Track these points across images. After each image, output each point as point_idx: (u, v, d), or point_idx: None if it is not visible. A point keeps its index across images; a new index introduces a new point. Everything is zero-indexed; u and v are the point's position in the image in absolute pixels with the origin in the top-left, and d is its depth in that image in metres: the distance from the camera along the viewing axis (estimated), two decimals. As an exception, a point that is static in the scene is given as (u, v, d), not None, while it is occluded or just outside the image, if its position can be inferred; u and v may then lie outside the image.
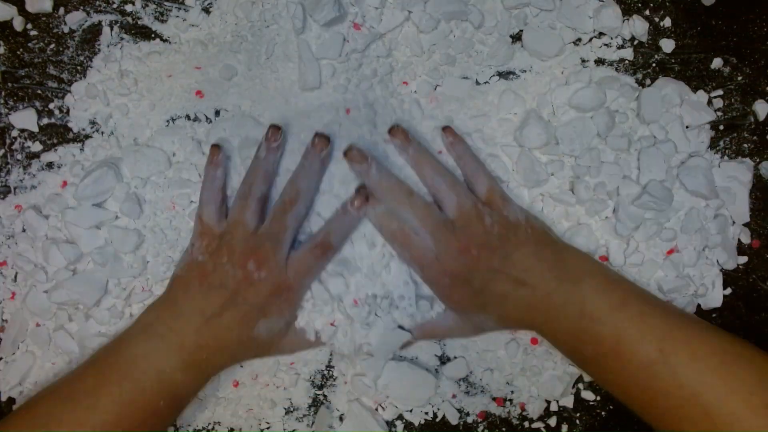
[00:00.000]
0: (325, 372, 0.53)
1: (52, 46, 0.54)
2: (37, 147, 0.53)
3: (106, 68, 0.53)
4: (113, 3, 0.54)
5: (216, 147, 0.50)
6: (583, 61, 0.54)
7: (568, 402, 0.53)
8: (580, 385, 0.54)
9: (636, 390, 0.44)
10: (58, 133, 0.53)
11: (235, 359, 0.49)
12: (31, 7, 0.54)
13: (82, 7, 0.54)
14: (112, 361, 0.46)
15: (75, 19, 0.54)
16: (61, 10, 0.54)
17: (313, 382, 0.53)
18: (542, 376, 0.53)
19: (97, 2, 0.55)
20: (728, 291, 0.53)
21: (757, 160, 0.54)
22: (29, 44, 0.54)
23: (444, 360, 0.53)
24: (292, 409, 0.53)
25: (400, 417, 0.53)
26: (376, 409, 0.53)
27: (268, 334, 0.48)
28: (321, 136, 0.48)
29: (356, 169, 0.48)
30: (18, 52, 0.54)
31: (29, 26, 0.54)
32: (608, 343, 0.44)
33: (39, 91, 0.54)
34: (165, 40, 0.54)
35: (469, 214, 0.47)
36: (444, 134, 0.51)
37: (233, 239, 0.47)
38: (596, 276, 0.47)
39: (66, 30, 0.54)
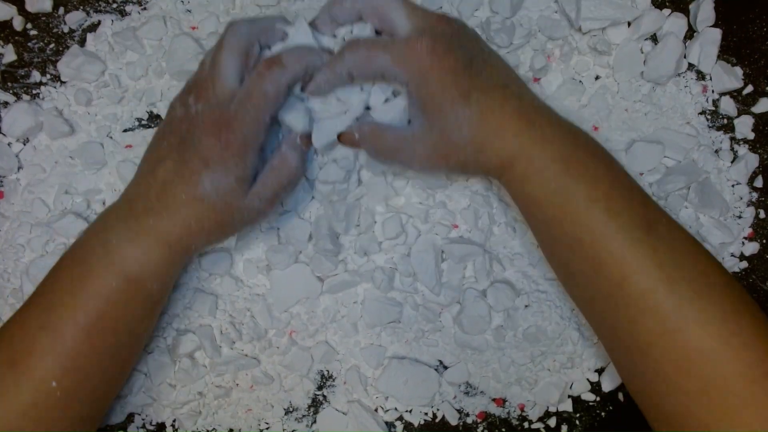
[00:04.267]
0: (325, 372, 0.53)
1: (52, 46, 0.54)
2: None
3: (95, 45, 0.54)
4: (113, 3, 0.55)
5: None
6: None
7: (567, 407, 0.53)
8: (579, 387, 0.53)
9: (605, 267, 0.38)
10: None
11: (190, 230, 0.41)
12: (31, 6, 0.54)
13: (82, 7, 0.54)
14: (87, 248, 0.41)
15: (75, 19, 0.54)
16: (61, 10, 0.54)
17: (312, 382, 0.53)
18: (537, 385, 0.53)
19: (97, 2, 0.55)
20: (728, 291, 0.53)
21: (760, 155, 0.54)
22: (29, 44, 0.54)
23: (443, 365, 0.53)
24: (291, 409, 0.53)
25: (400, 418, 0.53)
26: (376, 410, 0.53)
27: (215, 193, 0.40)
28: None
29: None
30: (18, 52, 0.54)
31: (29, 26, 0.54)
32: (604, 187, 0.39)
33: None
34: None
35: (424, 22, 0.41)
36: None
37: (192, 80, 0.42)
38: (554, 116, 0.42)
39: (66, 30, 0.54)
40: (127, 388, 0.51)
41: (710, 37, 0.53)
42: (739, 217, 0.53)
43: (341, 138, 0.44)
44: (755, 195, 0.53)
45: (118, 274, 0.40)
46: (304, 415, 0.53)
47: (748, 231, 0.53)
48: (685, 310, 0.37)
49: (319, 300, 0.52)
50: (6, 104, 0.53)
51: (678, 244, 0.39)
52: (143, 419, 0.52)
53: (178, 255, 0.42)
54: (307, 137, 0.45)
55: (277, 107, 0.42)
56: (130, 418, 0.52)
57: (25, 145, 0.53)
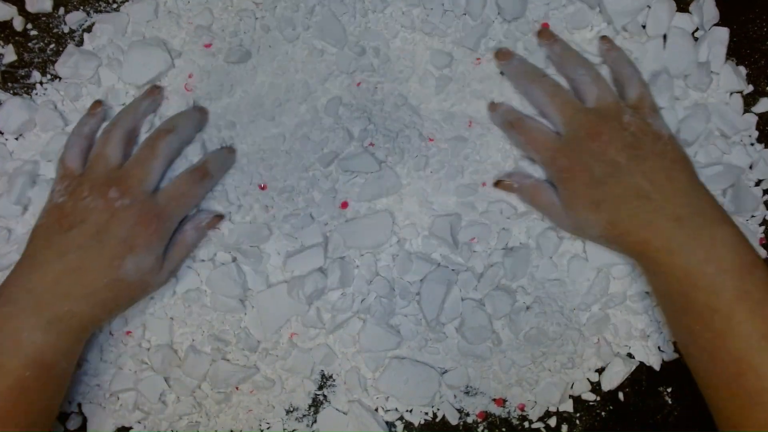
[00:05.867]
0: (325, 372, 0.53)
1: (52, 46, 0.54)
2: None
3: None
4: (113, 3, 0.55)
5: (98, 102, 0.50)
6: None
7: (568, 407, 0.53)
8: (580, 387, 0.53)
9: (727, 358, 0.40)
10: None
11: (106, 308, 0.44)
12: (31, 7, 0.54)
13: (82, 7, 0.54)
14: None
15: (75, 19, 0.54)
16: (61, 10, 0.54)
17: (313, 382, 0.53)
18: (538, 386, 0.53)
19: (97, 2, 0.55)
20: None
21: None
22: (29, 44, 0.54)
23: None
24: (291, 409, 0.53)
25: (401, 418, 0.53)
26: (377, 410, 0.53)
27: (137, 272, 0.44)
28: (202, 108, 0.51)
29: (500, 62, 0.50)
30: (18, 52, 0.54)
31: (29, 26, 0.54)
32: (726, 299, 0.40)
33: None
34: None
35: (609, 106, 0.45)
36: (600, 42, 0.50)
37: (94, 173, 0.45)
38: (731, 227, 0.42)
39: (66, 30, 0.54)
40: (117, 401, 0.52)
41: (718, 36, 0.53)
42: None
43: (499, 184, 0.50)
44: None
45: (31, 364, 0.41)
46: (304, 415, 0.53)
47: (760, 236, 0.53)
48: None
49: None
50: (6, 104, 0.53)
51: None
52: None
53: (90, 332, 0.45)
54: (218, 217, 0.50)
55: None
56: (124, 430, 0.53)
57: (17, 140, 0.53)
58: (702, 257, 0.41)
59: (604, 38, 0.51)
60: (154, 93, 0.50)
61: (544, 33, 0.50)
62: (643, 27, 0.52)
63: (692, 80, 0.52)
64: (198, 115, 0.50)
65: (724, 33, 0.53)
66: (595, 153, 0.44)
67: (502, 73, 0.52)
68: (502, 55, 0.50)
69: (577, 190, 0.45)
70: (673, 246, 0.42)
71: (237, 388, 0.52)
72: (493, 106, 0.51)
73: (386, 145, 0.51)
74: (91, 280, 0.42)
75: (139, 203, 0.44)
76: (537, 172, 0.51)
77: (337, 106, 0.52)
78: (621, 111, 0.45)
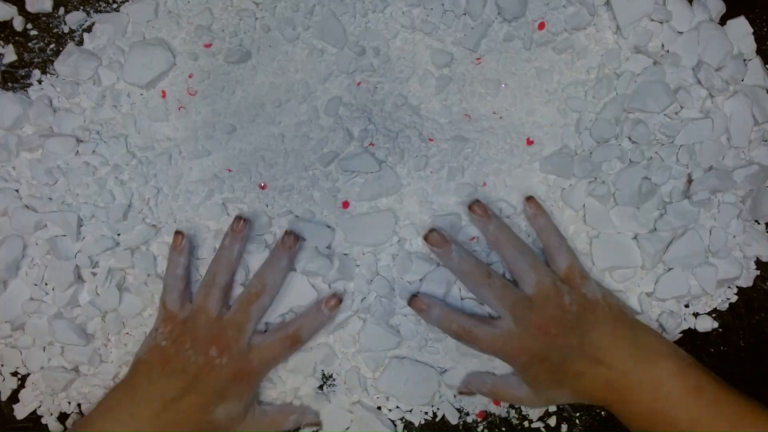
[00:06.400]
0: (325, 372, 0.53)
1: (52, 46, 0.54)
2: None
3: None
4: (113, 3, 0.55)
5: (179, 233, 0.50)
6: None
7: (567, 406, 0.53)
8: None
9: None
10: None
11: None
12: (31, 7, 0.54)
13: (82, 7, 0.55)
14: None
15: (75, 19, 0.54)
16: (61, 10, 0.54)
17: (316, 380, 0.53)
18: None
19: (97, 2, 0.55)
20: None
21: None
22: (29, 44, 0.54)
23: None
24: (292, 408, 0.53)
25: (401, 418, 0.53)
26: (379, 408, 0.53)
27: (225, 417, 0.49)
28: (290, 234, 0.49)
29: (436, 252, 0.49)
30: (18, 52, 0.54)
31: (29, 26, 0.54)
32: (682, 427, 0.45)
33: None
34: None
35: (548, 292, 0.48)
36: (527, 204, 0.51)
37: (196, 326, 0.49)
38: (671, 358, 0.47)
39: (66, 30, 0.54)
40: None
41: (740, 29, 0.52)
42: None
43: (461, 393, 0.53)
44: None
45: None
46: (304, 415, 0.53)
47: None
48: None
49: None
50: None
51: None
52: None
53: None
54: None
55: None
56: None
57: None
58: (652, 397, 0.46)
59: (530, 200, 0.51)
60: (239, 232, 0.50)
61: (478, 208, 0.49)
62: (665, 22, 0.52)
63: (728, 72, 0.52)
64: (286, 262, 0.50)
65: (745, 24, 0.52)
66: (549, 344, 0.47)
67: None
68: (436, 241, 0.49)
69: (540, 377, 0.48)
70: (627, 396, 0.47)
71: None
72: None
73: (386, 145, 0.52)
74: (184, 421, 0.48)
75: (235, 362, 0.48)
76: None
77: (337, 106, 0.52)
78: (560, 293, 0.48)
